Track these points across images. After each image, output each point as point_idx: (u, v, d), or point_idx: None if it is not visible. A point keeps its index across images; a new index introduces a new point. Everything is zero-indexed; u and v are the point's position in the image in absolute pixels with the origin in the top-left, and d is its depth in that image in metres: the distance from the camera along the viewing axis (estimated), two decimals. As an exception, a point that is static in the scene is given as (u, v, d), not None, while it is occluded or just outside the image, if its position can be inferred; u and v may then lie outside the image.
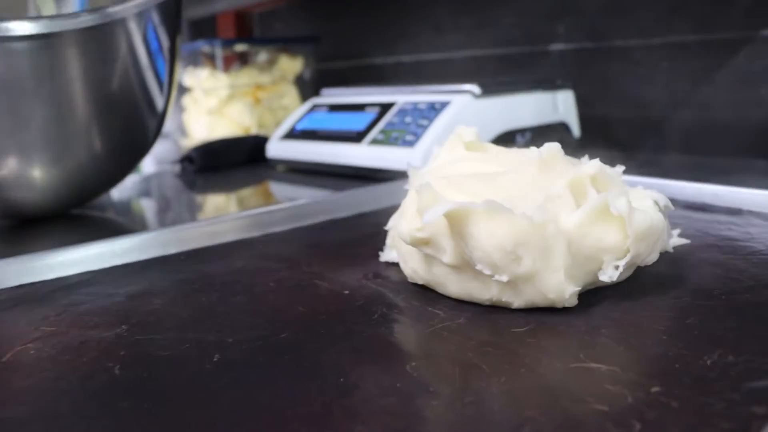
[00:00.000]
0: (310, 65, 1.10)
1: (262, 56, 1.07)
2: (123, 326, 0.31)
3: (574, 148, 0.65)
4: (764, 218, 0.44)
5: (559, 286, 0.28)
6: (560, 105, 0.83)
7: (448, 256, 0.29)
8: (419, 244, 0.30)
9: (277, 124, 0.99)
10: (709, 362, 0.24)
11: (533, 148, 0.35)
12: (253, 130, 1.00)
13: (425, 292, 0.34)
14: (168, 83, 0.60)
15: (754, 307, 0.29)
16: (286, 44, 1.09)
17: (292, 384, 0.24)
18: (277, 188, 0.76)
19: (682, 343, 0.26)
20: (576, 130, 0.86)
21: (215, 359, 0.27)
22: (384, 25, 1.14)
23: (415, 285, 0.35)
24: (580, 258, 0.29)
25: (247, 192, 0.75)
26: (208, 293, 0.35)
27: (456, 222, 0.28)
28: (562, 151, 0.33)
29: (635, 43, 0.86)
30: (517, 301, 0.29)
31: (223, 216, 0.50)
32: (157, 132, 0.62)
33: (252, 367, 0.26)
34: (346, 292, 0.34)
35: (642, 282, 0.33)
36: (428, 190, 0.29)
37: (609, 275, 0.29)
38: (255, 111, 1.01)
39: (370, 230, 0.47)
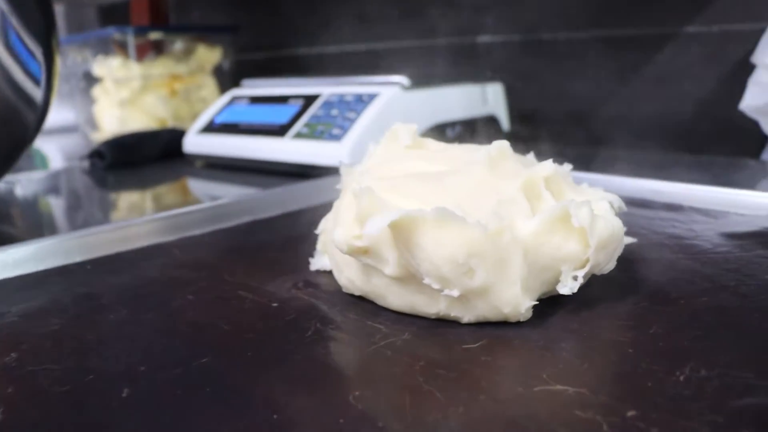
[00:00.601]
0: (229, 56, 1.05)
1: (179, 45, 1.01)
2: (12, 354, 0.26)
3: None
4: (705, 214, 0.43)
5: (515, 300, 0.25)
6: (490, 98, 0.81)
7: (390, 268, 0.26)
8: (358, 253, 0.27)
9: (195, 116, 0.94)
10: (681, 378, 0.22)
11: (480, 146, 0.32)
12: (169, 123, 0.94)
13: (363, 304, 0.30)
14: (46, 72, 0.54)
15: (715, 312, 0.28)
16: (203, 33, 1.04)
17: (217, 424, 0.21)
18: (196, 186, 0.71)
19: (649, 357, 0.24)
20: (505, 123, 0.84)
21: (124, 395, 0.23)
22: (306, 14, 1.09)
23: (351, 296, 0.31)
24: (536, 268, 0.26)
25: (162, 190, 0.70)
26: (117, 310, 0.31)
27: (401, 232, 0.25)
28: (510, 149, 0.30)
29: (563, 37, 0.85)
30: (467, 316, 0.27)
31: (135, 218, 0.45)
32: (38, 126, 0.56)
33: (169, 404, 0.22)
34: (275, 304, 0.31)
35: (596, 287, 0.30)
36: (369, 194, 0.26)
37: (570, 287, 0.27)
38: (171, 103, 0.96)
39: (297, 232, 0.44)
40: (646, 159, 0.69)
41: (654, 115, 0.79)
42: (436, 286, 0.25)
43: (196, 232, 0.45)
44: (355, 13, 1.03)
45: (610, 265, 0.29)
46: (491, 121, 0.82)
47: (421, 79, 0.71)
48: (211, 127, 0.78)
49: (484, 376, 0.23)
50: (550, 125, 0.87)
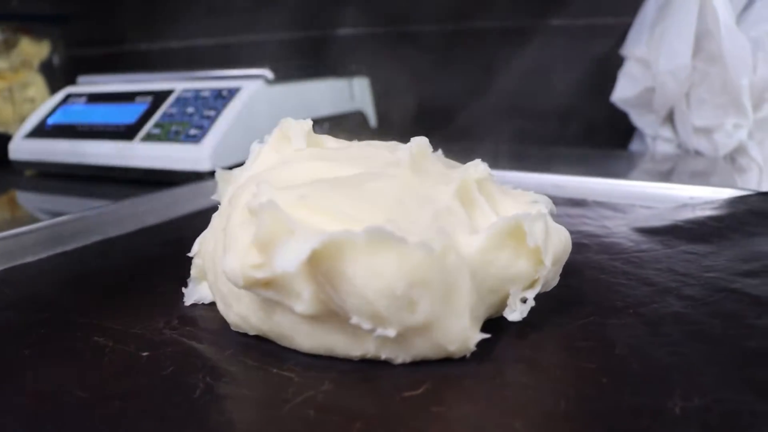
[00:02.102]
0: (59, 50, 0.93)
1: (-4, 37, 0.88)
2: None
3: (373, 139, 0.59)
4: (612, 208, 0.40)
5: (463, 335, 0.20)
6: (356, 93, 0.76)
7: (303, 305, 0.20)
8: (258, 287, 0.21)
9: (21, 119, 0.82)
10: (677, 410, 0.19)
11: (386, 142, 0.27)
12: (-11, 128, 0.81)
13: (261, 346, 0.24)
14: None
15: (671, 321, 0.24)
16: (26, 23, 0.91)
17: None
18: (27, 200, 0.60)
19: (630, 387, 0.20)
20: (373, 119, 0.80)
21: None
22: (147, 5, 0.99)
23: (244, 335, 0.25)
24: (482, 292, 0.22)
25: (-17, 206, 0.59)
26: None
27: (323, 261, 0.19)
28: (430, 147, 0.25)
29: (429, 29, 0.82)
30: (401, 356, 0.21)
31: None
32: None
33: None
34: (145, 353, 0.24)
35: (534, 302, 0.26)
36: (273, 211, 0.19)
37: (520, 312, 0.22)
38: (-11, 104, 0.83)
39: (160, 252, 0.36)
40: (522, 153, 0.67)
41: (524, 108, 0.78)
42: (366, 325, 0.19)
43: (31, 258, 0.36)
44: (201, 4, 0.95)
45: (555, 281, 0.25)
46: (359, 116, 0.77)
47: (286, 73, 0.65)
48: (43, 131, 0.68)
49: (444, 439, 0.18)
50: (418, 120, 0.83)
